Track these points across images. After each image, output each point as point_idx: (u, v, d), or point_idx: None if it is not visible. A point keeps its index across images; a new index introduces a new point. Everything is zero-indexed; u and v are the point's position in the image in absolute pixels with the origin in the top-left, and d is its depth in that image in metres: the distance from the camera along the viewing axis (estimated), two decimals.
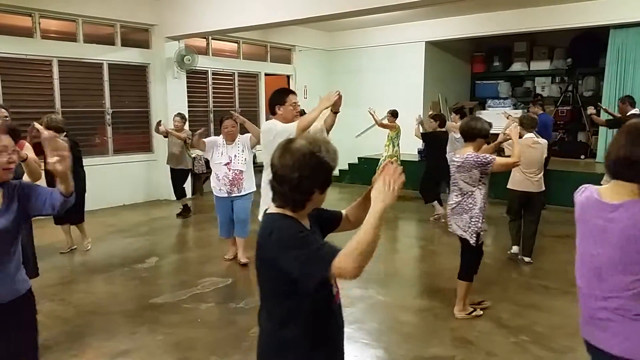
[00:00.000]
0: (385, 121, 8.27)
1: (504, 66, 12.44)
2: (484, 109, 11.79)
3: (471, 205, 3.93)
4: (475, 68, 12.94)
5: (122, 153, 8.90)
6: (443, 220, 6.81)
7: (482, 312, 4.21)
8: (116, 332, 3.94)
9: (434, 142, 7.51)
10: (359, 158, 11.01)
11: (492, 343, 3.74)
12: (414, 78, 11.15)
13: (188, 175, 8.24)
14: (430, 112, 8.05)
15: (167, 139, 7.91)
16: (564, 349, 3.63)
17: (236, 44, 10.71)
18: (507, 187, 5.57)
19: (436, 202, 7.51)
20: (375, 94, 11.05)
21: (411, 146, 9.62)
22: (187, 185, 8.63)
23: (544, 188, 5.48)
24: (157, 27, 9.01)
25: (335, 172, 1.92)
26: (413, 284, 5.23)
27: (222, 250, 5.90)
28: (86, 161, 6.22)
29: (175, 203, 8.25)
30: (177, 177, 7.97)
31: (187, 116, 8.60)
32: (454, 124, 7.78)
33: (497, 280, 5.04)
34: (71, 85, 8.18)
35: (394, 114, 8.22)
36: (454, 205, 4.02)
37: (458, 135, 7.87)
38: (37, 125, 3.41)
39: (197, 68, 9.51)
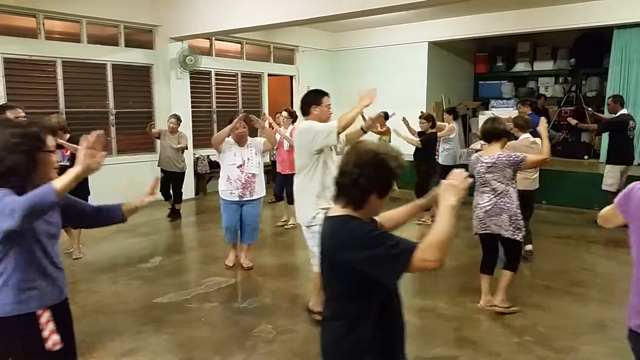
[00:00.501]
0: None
1: (507, 66, 12.42)
2: (487, 109, 11.77)
3: (509, 204, 4.00)
4: (478, 68, 12.92)
5: (126, 153, 8.93)
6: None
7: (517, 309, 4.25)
8: (121, 332, 3.97)
9: (427, 144, 7.43)
10: None
11: (496, 343, 3.75)
12: (417, 78, 11.15)
13: (184, 177, 7.84)
14: (420, 114, 7.82)
15: (158, 140, 7.62)
16: (567, 349, 3.64)
17: (239, 45, 10.73)
18: None
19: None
20: (378, 95, 11.00)
21: (410, 147, 9.55)
22: (189, 187, 8.58)
23: (538, 186, 5.62)
24: (161, 27, 9.04)
25: None
26: (415, 283, 5.24)
27: (225, 251, 5.89)
28: None
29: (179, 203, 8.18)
30: (173, 179, 7.60)
31: (190, 116, 8.67)
32: (446, 125, 7.79)
33: (498, 280, 5.03)
34: (75, 86, 8.22)
35: (386, 117, 7.96)
36: (489, 207, 4.03)
37: (452, 135, 7.91)
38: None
39: (200, 68, 9.54)
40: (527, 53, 12.10)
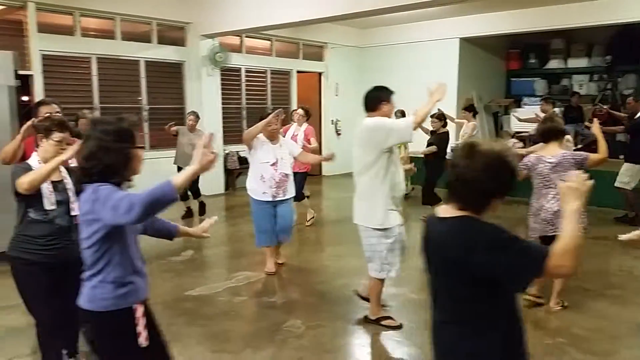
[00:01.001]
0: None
1: (540, 63, 12.13)
2: (519, 106, 11.57)
3: None
4: (510, 65, 12.66)
5: (158, 148, 9.07)
6: None
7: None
8: None
9: (440, 143, 7.34)
10: None
11: (528, 344, 3.67)
12: (448, 75, 10.94)
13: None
14: (434, 112, 7.67)
15: (176, 137, 7.57)
16: (605, 352, 3.55)
17: (269, 42, 10.79)
18: None
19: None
20: (407, 92, 10.86)
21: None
22: (218, 182, 8.64)
23: None
24: (193, 25, 9.16)
25: None
26: None
27: (254, 246, 5.88)
28: None
29: (207, 197, 8.25)
30: None
31: (221, 113, 8.70)
32: (464, 121, 7.89)
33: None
34: (109, 82, 8.41)
35: (403, 114, 7.89)
36: (558, 208, 3.88)
37: (468, 131, 7.81)
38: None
39: (230, 65, 9.63)
40: (560, 50, 11.80)
